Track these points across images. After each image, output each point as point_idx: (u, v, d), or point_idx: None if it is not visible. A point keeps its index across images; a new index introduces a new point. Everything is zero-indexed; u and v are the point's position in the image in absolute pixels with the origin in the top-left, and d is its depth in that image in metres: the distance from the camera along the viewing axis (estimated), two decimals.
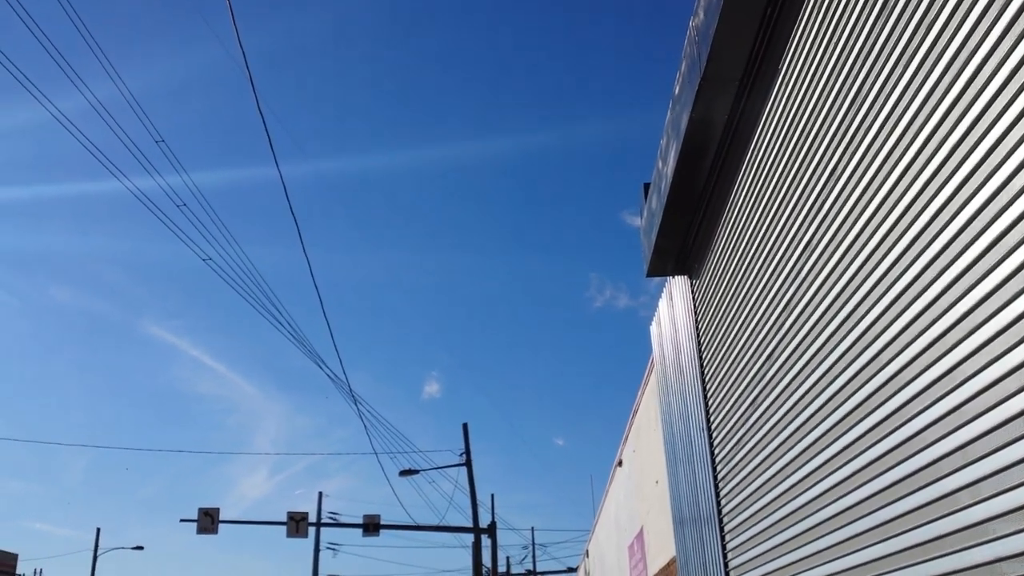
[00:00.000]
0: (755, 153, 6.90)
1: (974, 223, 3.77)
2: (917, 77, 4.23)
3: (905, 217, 4.40)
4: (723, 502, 8.25)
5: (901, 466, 4.49)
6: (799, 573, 6.10)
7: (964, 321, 3.87)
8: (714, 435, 8.57)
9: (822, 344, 5.59)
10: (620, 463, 17.89)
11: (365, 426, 42.59)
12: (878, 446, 4.78)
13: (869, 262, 4.85)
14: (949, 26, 3.92)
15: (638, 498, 14.99)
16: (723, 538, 8.22)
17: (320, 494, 39.67)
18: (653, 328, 11.63)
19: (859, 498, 5.04)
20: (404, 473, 28.18)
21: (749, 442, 7.32)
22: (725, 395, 8.08)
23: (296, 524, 26.81)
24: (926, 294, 4.20)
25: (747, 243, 7.24)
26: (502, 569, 46.76)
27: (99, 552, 42.98)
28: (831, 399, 5.46)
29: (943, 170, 4.02)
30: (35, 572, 45.19)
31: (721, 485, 8.32)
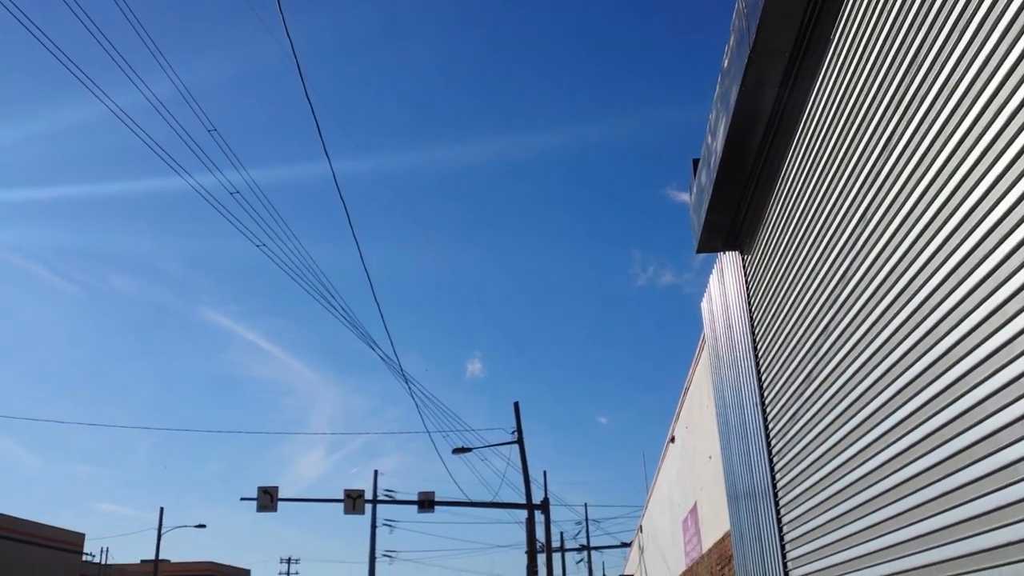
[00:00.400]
0: (807, 124, 6.83)
1: None
2: (975, 42, 4.16)
3: (964, 186, 4.34)
4: (778, 476, 8.25)
5: (960, 438, 4.47)
6: (856, 545, 6.10)
7: None
8: (768, 409, 8.55)
9: (879, 316, 5.55)
10: (672, 440, 17.90)
11: (417, 405, 43.15)
12: (937, 418, 4.75)
13: (927, 232, 4.80)
14: None
15: (691, 474, 15.00)
16: (778, 512, 8.22)
17: (376, 472, 40.49)
18: (704, 304, 11.59)
19: (917, 470, 5.02)
20: (457, 451, 28.53)
21: (804, 416, 7.30)
22: (779, 369, 8.05)
23: (353, 501, 27.36)
24: (985, 263, 4.16)
25: (800, 216, 7.19)
26: (556, 544, 47.15)
27: (163, 531, 44.42)
28: (888, 371, 5.43)
29: (1002, 136, 3.96)
30: (102, 551, 46.72)
31: (775, 459, 8.32)
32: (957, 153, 4.39)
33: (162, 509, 44.71)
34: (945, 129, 4.51)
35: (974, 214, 4.25)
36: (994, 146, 4.03)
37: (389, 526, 42.08)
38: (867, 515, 5.88)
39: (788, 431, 7.82)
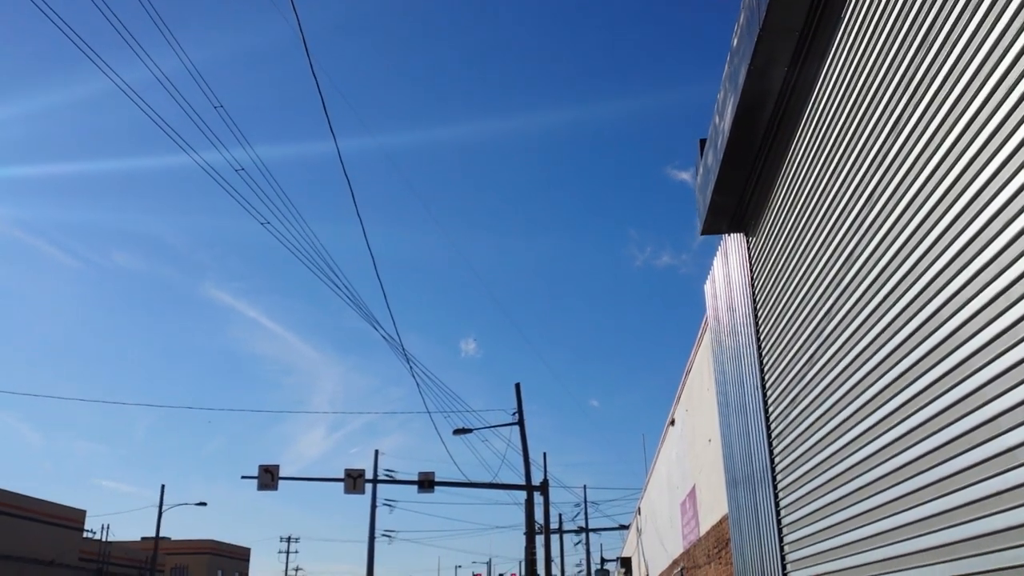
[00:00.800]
0: (815, 105, 6.75)
1: None
2: (986, 23, 4.09)
3: (971, 168, 4.28)
4: (777, 459, 8.23)
5: (960, 422, 4.44)
6: (854, 529, 6.09)
7: None
8: (768, 392, 8.52)
9: (883, 299, 5.51)
10: (672, 422, 17.90)
11: (418, 384, 43.23)
12: (937, 402, 4.72)
13: (933, 214, 4.74)
14: None
15: (691, 456, 15.01)
16: (776, 495, 8.21)
17: (376, 452, 40.60)
18: (707, 286, 11.53)
19: (917, 454, 4.99)
20: (458, 432, 28.60)
21: (804, 399, 7.27)
22: (781, 352, 8.02)
23: (353, 481, 27.47)
24: (991, 247, 4.11)
25: (806, 197, 7.12)
26: (554, 526, 47.38)
27: (164, 508, 44.64)
28: (891, 354, 5.39)
29: (1011, 118, 3.90)
30: (102, 527, 46.80)
31: (775, 442, 8.30)
32: (965, 135, 4.32)
33: (163, 486, 44.90)
34: (954, 111, 4.44)
35: (980, 198, 4.20)
36: (1003, 128, 3.97)
37: (389, 506, 42.33)
38: (866, 499, 5.86)
39: (788, 414, 7.80)
